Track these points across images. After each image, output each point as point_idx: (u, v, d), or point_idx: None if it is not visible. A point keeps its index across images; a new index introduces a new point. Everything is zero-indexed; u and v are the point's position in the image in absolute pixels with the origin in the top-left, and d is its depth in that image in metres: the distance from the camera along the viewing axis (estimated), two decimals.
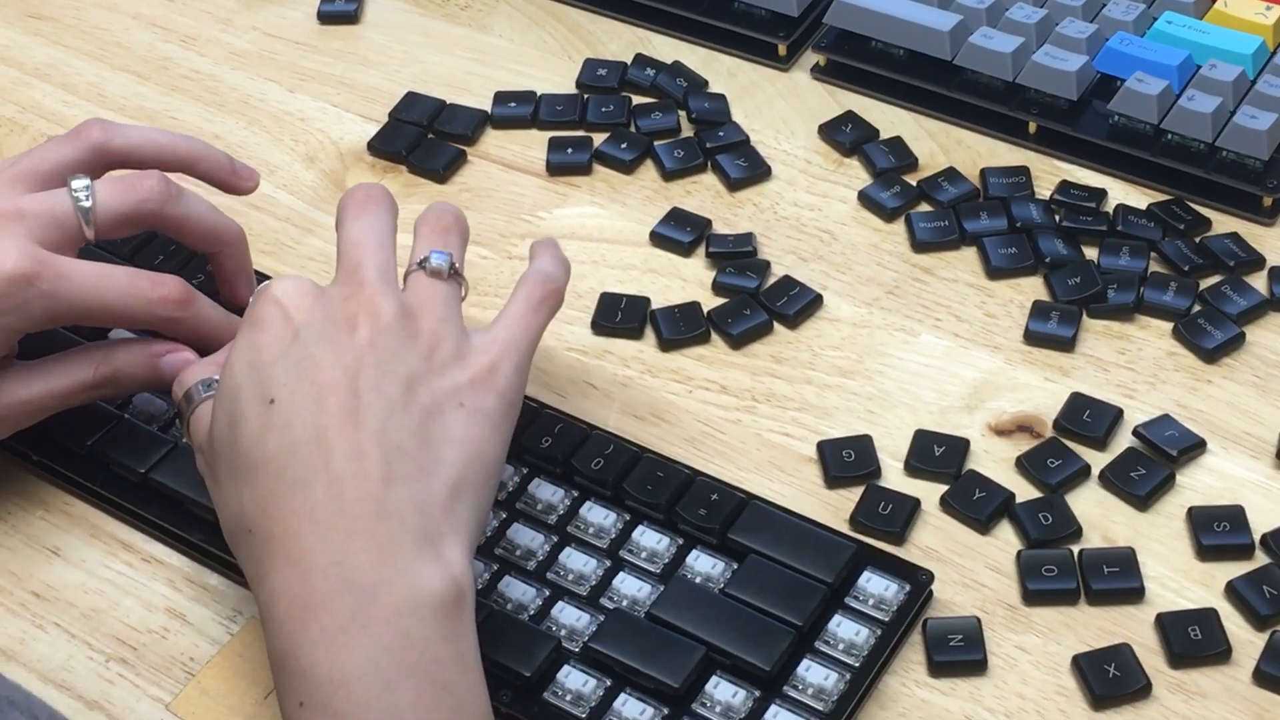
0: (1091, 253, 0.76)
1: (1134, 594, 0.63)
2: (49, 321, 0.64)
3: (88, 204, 0.65)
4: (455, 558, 0.55)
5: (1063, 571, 0.63)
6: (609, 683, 0.60)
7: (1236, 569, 0.64)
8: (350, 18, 0.92)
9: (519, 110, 0.85)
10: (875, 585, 0.62)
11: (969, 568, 0.65)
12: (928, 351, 0.73)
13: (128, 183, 0.66)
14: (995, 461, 0.68)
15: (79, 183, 0.66)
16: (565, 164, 0.82)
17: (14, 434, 0.66)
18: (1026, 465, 0.68)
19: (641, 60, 0.88)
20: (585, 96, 0.86)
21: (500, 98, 0.86)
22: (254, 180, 0.72)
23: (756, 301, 0.75)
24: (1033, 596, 0.63)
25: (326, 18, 0.92)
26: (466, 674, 0.54)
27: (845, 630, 0.61)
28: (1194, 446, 0.68)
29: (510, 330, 0.62)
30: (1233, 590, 0.63)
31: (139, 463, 0.67)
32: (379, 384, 0.57)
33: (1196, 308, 0.73)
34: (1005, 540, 0.65)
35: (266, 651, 0.56)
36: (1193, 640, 0.61)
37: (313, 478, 0.55)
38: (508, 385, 0.60)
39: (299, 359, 0.57)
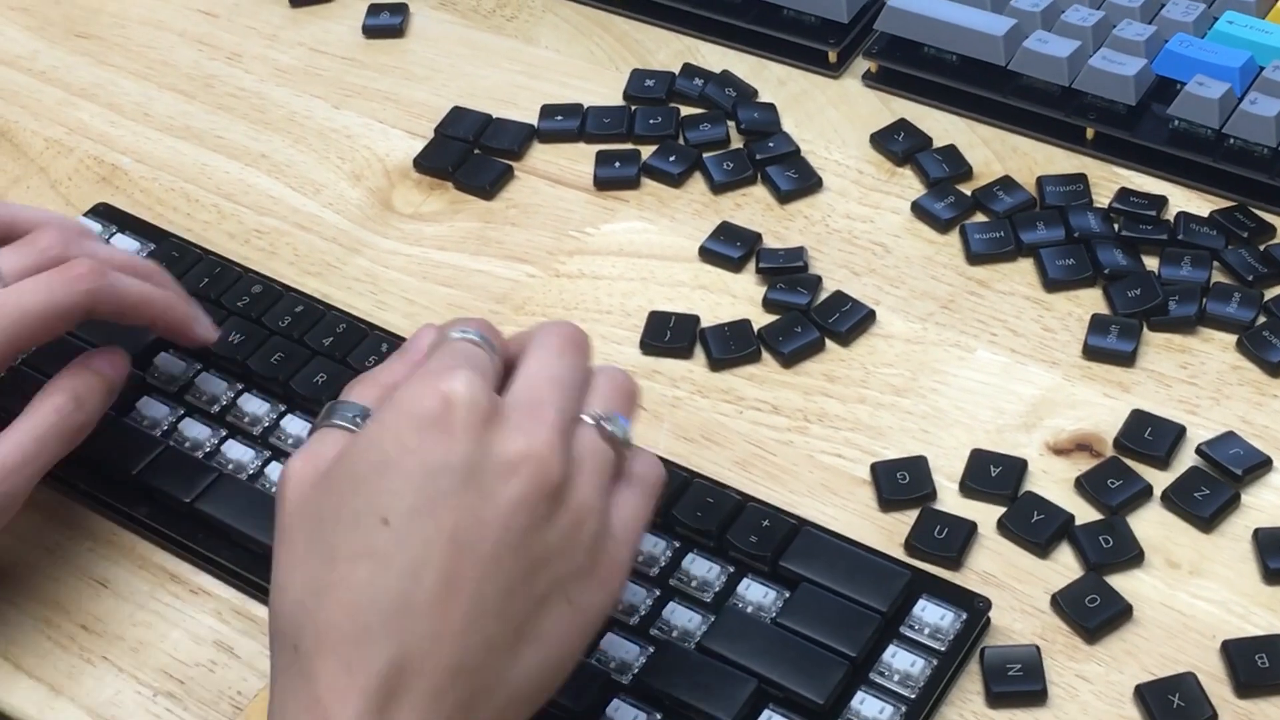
0: (1152, 263, 0.74)
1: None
2: None
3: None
4: None
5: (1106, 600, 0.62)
6: (659, 717, 0.59)
7: None
8: (395, 31, 0.92)
9: (566, 124, 0.84)
10: (931, 614, 0.61)
11: (1028, 593, 0.63)
12: (984, 368, 0.71)
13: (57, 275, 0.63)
14: (1054, 482, 0.67)
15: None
16: (613, 178, 0.81)
17: (62, 464, 0.66)
18: (1086, 486, 0.66)
19: (690, 70, 0.86)
20: (633, 108, 0.85)
21: (547, 111, 0.85)
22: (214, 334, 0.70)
23: (808, 318, 0.73)
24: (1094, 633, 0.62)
25: (372, 31, 0.92)
26: None
27: (900, 661, 0.60)
28: (1260, 465, 0.66)
29: (638, 516, 0.55)
30: None
31: (184, 492, 0.67)
32: (506, 558, 0.51)
33: (1261, 319, 0.71)
34: (1065, 564, 0.64)
35: None
36: (1260, 668, 0.59)
37: (382, 642, 0.49)
38: (620, 584, 0.54)
39: (436, 493, 0.51)
